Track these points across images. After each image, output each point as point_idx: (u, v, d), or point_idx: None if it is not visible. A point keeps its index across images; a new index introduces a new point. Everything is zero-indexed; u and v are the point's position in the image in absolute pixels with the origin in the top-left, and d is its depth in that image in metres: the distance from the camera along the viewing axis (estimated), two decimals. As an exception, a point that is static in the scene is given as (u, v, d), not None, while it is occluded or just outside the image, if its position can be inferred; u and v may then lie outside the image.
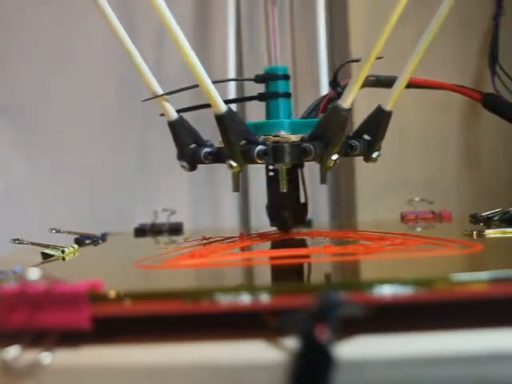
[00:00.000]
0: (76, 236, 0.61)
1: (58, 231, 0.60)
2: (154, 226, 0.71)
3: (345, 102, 0.44)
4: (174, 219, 0.72)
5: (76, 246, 0.54)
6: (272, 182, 0.51)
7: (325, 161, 0.45)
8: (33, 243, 0.51)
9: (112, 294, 0.28)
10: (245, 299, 0.27)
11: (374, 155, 0.48)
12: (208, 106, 0.48)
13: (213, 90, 0.44)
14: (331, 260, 0.41)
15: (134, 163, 0.95)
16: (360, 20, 0.87)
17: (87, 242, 0.61)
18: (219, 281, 0.37)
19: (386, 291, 0.27)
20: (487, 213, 0.56)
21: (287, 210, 0.52)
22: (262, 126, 0.48)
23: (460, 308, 0.27)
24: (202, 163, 0.49)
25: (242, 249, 0.48)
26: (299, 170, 0.52)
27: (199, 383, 0.26)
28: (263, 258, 0.44)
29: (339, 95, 0.47)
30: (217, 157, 0.48)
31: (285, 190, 0.49)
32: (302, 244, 0.51)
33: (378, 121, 0.47)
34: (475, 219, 0.57)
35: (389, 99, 0.47)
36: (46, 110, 0.91)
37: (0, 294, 0.28)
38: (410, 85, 0.48)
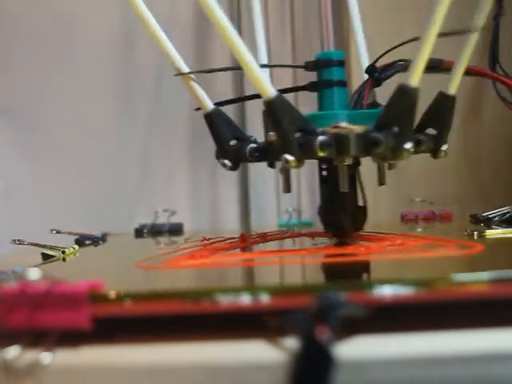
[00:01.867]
0: (76, 236, 0.61)
1: (58, 232, 0.60)
2: (154, 226, 0.71)
3: (412, 80, 0.38)
4: (174, 220, 0.72)
5: (76, 247, 0.54)
6: (326, 182, 0.45)
7: (397, 152, 0.39)
8: (33, 244, 0.51)
9: (112, 294, 0.28)
10: (245, 299, 0.27)
11: (444, 148, 0.42)
12: (248, 98, 0.45)
13: (259, 73, 0.38)
14: (331, 260, 0.41)
15: (135, 163, 0.95)
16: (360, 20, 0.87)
17: (87, 242, 0.61)
18: (219, 281, 0.37)
19: (387, 292, 0.27)
20: (487, 213, 0.56)
21: (346, 213, 0.45)
22: (315, 119, 0.41)
23: (460, 308, 0.27)
24: (247, 161, 0.44)
25: (243, 249, 0.48)
26: (355, 169, 0.45)
27: (199, 383, 0.26)
28: (263, 258, 0.44)
29: (377, 81, 0.45)
30: (264, 153, 0.43)
31: (346, 190, 0.42)
32: (303, 245, 0.51)
33: (444, 108, 0.42)
34: (475, 219, 0.57)
35: (450, 83, 0.41)
36: (45, 110, 0.91)
37: (0, 294, 0.28)
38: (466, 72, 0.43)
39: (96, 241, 0.62)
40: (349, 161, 0.40)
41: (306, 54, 0.78)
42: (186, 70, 0.45)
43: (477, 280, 0.27)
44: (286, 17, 0.94)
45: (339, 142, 0.39)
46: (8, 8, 0.90)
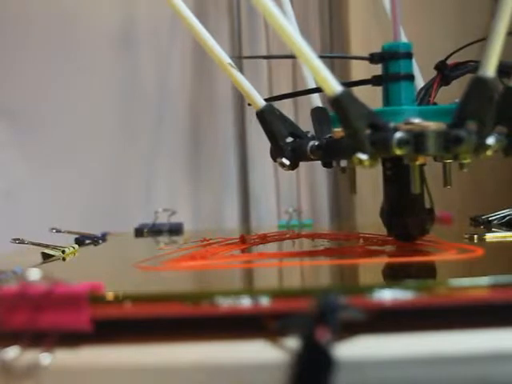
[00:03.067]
0: (76, 236, 0.61)
1: (58, 231, 0.60)
2: (154, 226, 0.71)
3: (489, 70, 0.35)
4: (174, 220, 0.72)
5: (76, 246, 0.54)
6: (392, 182, 0.42)
7: (480, 149, 0.36)
8: (33, 243, 0.51)
9: (112, 296, 0.28)
10: (245, 302, 0.27)
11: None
12: (305, 93, 0.43)
13: (322, 67, 0.35)
14: (330, 263, 0.41)
15: (135, 163, 0.95)
16: (360, 20, 0.87)
17: (87, 242, 0.61)
18: (219, 283, 0.37)
19: (386, 296, 0.27)
20: (487, 216, 0.56)
21: (414, 216, 0.42)
22: (383, 114, 0.38)
23: (460, 309, 0.27)
24: (308, 159, 0.41)
25: (242, 251, 0.48)
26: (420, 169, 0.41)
27: (199, 383, 0.26)
28: (263, 260, 0.44)
29: (446, 79, 0.43)
30: (329, 151, 0.40)
31: (419, 191, 0.39)
32: (303, 246, 0.51)
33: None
34: (475, 222, 0.57)
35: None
36: (46, 110, 0.91)
37: (0, 294, 0.28)
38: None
39: (96, 240, 0.62)
40: (422, 160, 0.37)
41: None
42: (227, 60, 0.43)
43: (477, 285, 0.27)
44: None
45: (418, 140, 0.36)
46: (8, 8, 0.90)
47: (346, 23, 0.92)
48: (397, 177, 0.42)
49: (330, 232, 0.68)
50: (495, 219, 0.55)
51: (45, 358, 0.27)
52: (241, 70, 0.93)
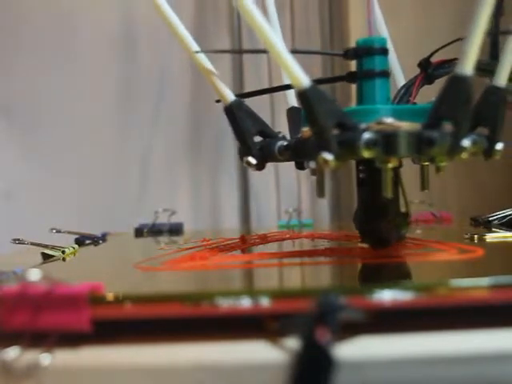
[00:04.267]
0: (76, 236, 0.61)
1: (58, 231, 0.60)
2: (154, 226, 0.71)
3: (466, 68, 0.33)
4: (174, 220, 0.72)
5: (76, 247, 0.54)
6: (365, 186, 0.40)
7: (455, 152, 0.35)
8: (33, 243, 0.51)
9: (112, 296, 0.28)
10: (245, 303, 0.27)
11: (499, 147, 0.37)
12: (275, 89, 0.42)
13: (291, 60, 0.33)
14: (330, 263, 0.41)
15: (135, 163, 0.95)
16: (360, 20, 0.87)
17: (87, 242, 0.61)
18: (220, 283, 0.37)
19: (386, 296, 0.27)
20: (487, 216, 0.56)
21: (387, 222, 0.40)
22: (355, 113, 0.37)
23: (460, 311, 0.27)
24: (275, 160, 0.40)
25: (243, 251, 0.48)
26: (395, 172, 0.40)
27: (199, 383, 0.26)
28: (263, 260, 0.43)
29: (429, 78, 0.42)
30: (297, 151, 0.38)
31: (390, 196, 0.37)
32: (303, 247, 0.51)
33: (495, 103, 0.36)
34: (475, 222, 0.57)
35: (498, 74, 0.37)
36: (46, 110, 0.91)
37: (0, 294, 0.28)
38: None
39: (96, 240, 0.62)
40: (395, 163, 0.35)
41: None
42: (195, 48, 0.41)
43: (477, 286, 0.27)
44: (286, 14, 0.94)
45: (388, 141, 0.34)
46: (8, 8, 0.90)
47: (346, 22, 0.92)
48: (370, 180, 0.40)
49: (330, 232, 0.68)
50: (495, 219, 0.55)
51: (45, 358, 0.27)
52: (241, 68, 0.93)
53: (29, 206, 0.88)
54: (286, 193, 0.96)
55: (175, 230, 0.71)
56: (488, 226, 0.54)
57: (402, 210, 0.41)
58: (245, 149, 0.40)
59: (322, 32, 0.97)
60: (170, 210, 0.72)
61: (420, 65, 0.43)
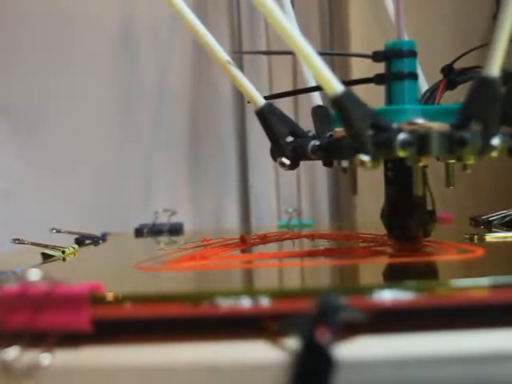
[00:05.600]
0: (76, 236, 0.61)
1: (58, 231, 0.60)
2: (154, 226, 0.71)
3: (493, 69, 0.34)
4: (174, 220, 0.72)
5: (76, 247, 0.54)
6: (393, 184, 0.42)
7: (485, 151, 0.35)
8: (33, 243, 0.51)
9: (112, 296, 0.28)
10: (245, 303, 0.27)
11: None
12: (305, 91, 0.42)
13: (322, 65, 0.34)
14: (330, 263, 0.41)
15: (135, 163, 0.95)
16: (360, 19, 0.87)
17: (87, 242, 0.61)
18: (220, 283, 0.37)
19: (386, 296, 0.27)
20: (487, 216, 0.56)
21: (414, 218, 0.42)
22: (385, 114, 0.37)
23: (460, 311, 0.27)
24: (309, 159, 0.41)
25: (243, 251, 0.48)
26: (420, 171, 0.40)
27: (199, 383, 0.26)
28: (263, 260, 0.44)
29: (452, 83, 0.43)
30: (330, 151, 0.39)
31: (421, 194, 0.39)
32: (303, 246, 0.51)
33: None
34: (475, 222, 0.57)
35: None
36: (46, 110, 0.91)
37: (0, 294, 0.28)
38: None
39: (96, 240, 0.62)
40: (425, 162, 0.36)
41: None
42: (226, 57, 0.42)
43: (477, 286, 0.27)
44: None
45: (422, 142, 0.35)
46: (8, 8, 0.90)
47: (346, 22, 0.92)
48: (398, 178, 0.41)
49: (330, 232, 0.68)
50: (495, 219, 0.55)
51: (45, 358, 0.27)
52: (241, 67, 0.94)
53: (29, 206, 0.88)
54: (285, 193, 0.96)
55: (175, 230, 0.71)
56: (488, 226, 0.54)
57: (429, 207, 0.42)
58: (278, 150, 0.41)
59: (322, 32, 0.97)
60: (169, 210, 0.72)
61: (443, 70, 0.44)
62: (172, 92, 0.95)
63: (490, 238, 0.47)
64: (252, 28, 0.96)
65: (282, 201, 0.96)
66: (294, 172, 0.96)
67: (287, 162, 0.41)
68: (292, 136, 0.41)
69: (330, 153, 0.39)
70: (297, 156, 0.41)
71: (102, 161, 0.93)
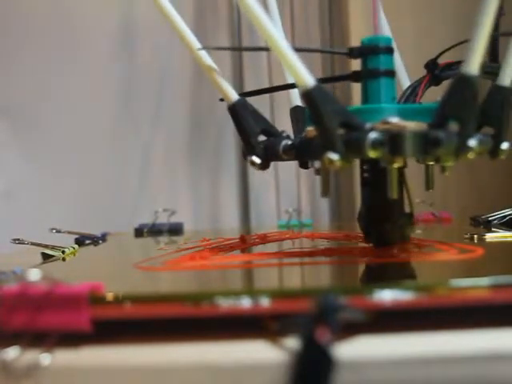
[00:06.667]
0: (76, 236, 0.61)
1: (58, 231, 0.60)
2: (154, 226, 0.71)
3: (472, 67, 0.33)
4: (174, 219, 0.72)
5: (76, 247, 0.54)
6: (369, 186, 0.40)
7: (461, 152, 0.34)
8: (33, 243, 0.51)
9: (112, 296, 0.28)
10: (245, 303, 0.27)
11: (504, 146, 0.36)
12: (279, 88, 0.42)
13: (295, 59, 0.33)
14: (330, 263, 0.41)
15: (135, 163, 0.95)
16: (360, 20, 0.87)
17: (87, 242, 0.61)
18: (220, 283, 0.37)
19: (386, 296, 0.27)
20: (487, 216, 0.56)
21: (390, 222, 0.40)
22: (360, 112, 0.36)
23: (460, 311, 0.27)
24: (280, 159, 0.39)
25: (243, 251, 0.48)
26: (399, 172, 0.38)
27: (199, 383, 0.26)
28: (263, 260, 0.44)
29: (436, 79, 0.42)
30: (301, 151, 0.38)
31: (395, 197, 0.36)
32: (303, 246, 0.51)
33: (500, 103, 0.36)
34: (475, 222, 0.57)
35: (503, 73, 0.36)
36: (46, 110, 0.91)
37: (0, 294, 0.28)
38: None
39: (96, 240, 0.62)
40: (400, 163, 0.35)
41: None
42: (197, 45, 0.41)
43: (477, 286, 0.27)
44: (286, 14, 0.94)
45: (394, 141, 0.33)
46: (8, 8, 0.90)
47: (346, 22, 0.93)
48: (374, 180, 0.39)
49: (330, 232, 0.68)
50: (495, 219, 0.55)
51: (45, 358, 0.27)
52: (241, 67, 0.93)
53: (29, 206, 0.88)
54: (285, 193, 0.96)
55: (175, 230, 0.71)
56: (488, 226, 0.54)
57: (407, 210, 0.41)
58: (249, 148, 0.40)
59: (322, 32, 0.97)
60: (169, 210, 0.72)
61: (427, 66, 0.43)
62: (172, 92, 0.95)
63: (490, 237, 0.47)
64: (252, 27, 0.96)
65: (282, 201, 0.96)
66: (293, 172, 0.96)
67: (258, 160, 0.39)
68: (265, 135, 0.40)
69: (301, 152, 0.38)
70: (268, 155, 0.39)
71: (101, 161, 0.93)
